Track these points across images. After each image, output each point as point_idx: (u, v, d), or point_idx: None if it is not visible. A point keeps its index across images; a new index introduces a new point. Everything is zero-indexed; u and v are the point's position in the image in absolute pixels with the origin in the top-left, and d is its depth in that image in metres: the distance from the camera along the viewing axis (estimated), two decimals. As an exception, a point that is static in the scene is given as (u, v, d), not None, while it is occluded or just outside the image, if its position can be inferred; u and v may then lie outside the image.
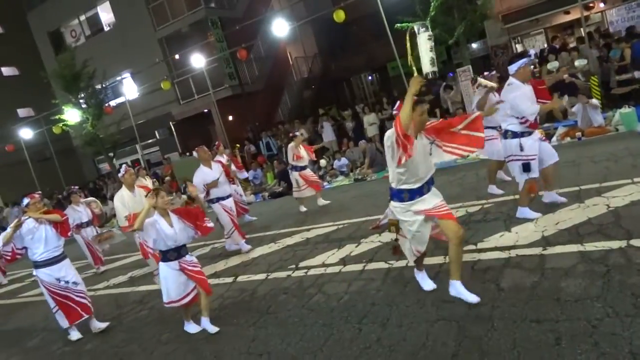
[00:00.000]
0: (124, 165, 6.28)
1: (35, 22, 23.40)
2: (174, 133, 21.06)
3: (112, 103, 19.70)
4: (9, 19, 27.32)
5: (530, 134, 4.88)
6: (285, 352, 3.67)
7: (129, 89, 19.19)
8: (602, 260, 3.62)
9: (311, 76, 23.03)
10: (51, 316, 6.52)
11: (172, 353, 4.29)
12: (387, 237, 5.71)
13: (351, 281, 4.63)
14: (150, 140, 21.95)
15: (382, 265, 4.83)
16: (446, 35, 12.00)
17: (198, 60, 16.34)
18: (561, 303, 3.20)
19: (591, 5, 13.63)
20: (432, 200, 3.62)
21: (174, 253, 4.34)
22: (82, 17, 22.26)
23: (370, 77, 24.31)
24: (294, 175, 8.65)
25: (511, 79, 4.91)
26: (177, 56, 18.60)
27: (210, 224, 4.52)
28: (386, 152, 3.53)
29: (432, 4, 11.62)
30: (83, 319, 5.25)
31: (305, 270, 5.34)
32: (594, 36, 12.50)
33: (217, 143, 9.25)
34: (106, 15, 21.63)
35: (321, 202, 8.82)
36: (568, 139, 8.76)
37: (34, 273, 5.15)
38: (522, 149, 4.86)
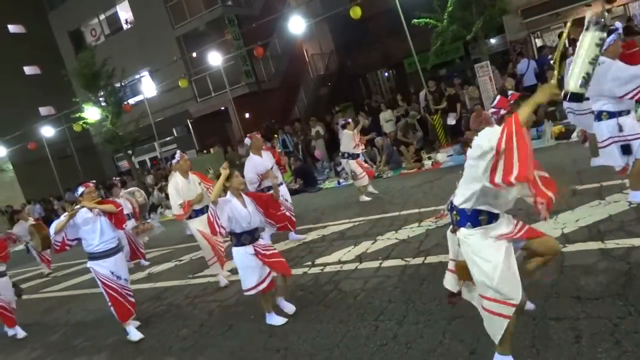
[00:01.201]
0: (178, 152, 6.02)
1: (56, 21, 23.88)
2: (192, 131, 21.27)
3: (131, 101, 19.98)
4: (30, 19, 28.00)
5: (628, 112, 4.45)
6: (301, 349, 3.69)
7: (148, 87, 19.44)
8: (623, 258, 3.56)
9: (327, 73, 23.00)
10: (75, 310, 6.71)
11: (190, 348, 4.35)
12: (404, 234, 5.71)
13: (367, 278, 4.63)
14: (168, 138, 22.19)
15: (398, 262, 4.81)
16: (464, 30, 11.85)
17: (215, 58, 16.46)
18: (581, 301, 3.15)
19: (614, -3, 13.33)
20: (509, 223, 2.80)
21: (248, 236, 4.15)
22: (102, 17, 22.64)
23: (386, 74, 24.17)
24: (351, 164, 8.38)
25: (601, 58, 4.59)
26: (194, 54, 18.76)
27: (287, 214, 4.33)
28: (473, 162, 2.58)
29: (450, -2, 11.50)
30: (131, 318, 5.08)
31: (322, 267, 5.35)
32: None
33: (254, 134, 9.08)
34: (125, 14, 21.96)
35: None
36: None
37: (88, 265, 4.94)
38: (621, 130, 4.40)
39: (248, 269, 4.14)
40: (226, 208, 4.01)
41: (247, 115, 19.43)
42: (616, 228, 4.14)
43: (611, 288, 3.20)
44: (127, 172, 20.76)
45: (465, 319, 3.36)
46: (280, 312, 4.36)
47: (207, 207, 5.71)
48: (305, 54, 23.48)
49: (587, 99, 4.87)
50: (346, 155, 8.45)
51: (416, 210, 6.65)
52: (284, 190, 6.85)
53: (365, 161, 10.21)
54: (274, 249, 4.31)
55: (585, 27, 2.53)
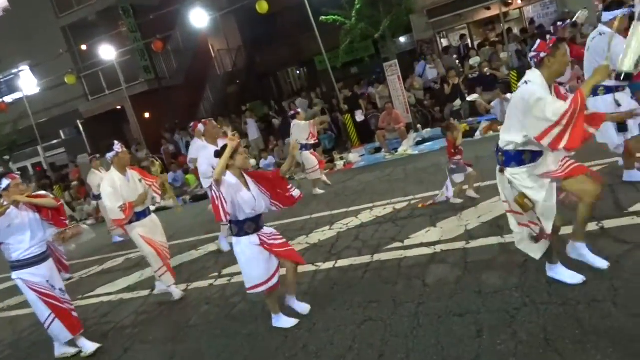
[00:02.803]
0: (116, 143, 5.14)
1: None
2: (83, 132, 19.89)
3: (7, 99, 18.22)
4: None
5: (624, 88, 4.40)
6: (206, 367, 3.58)
7: (28, 83, 17.85)
8: (520, 251, 3.87)
9: (235, 70, 22.68)
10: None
11: (79, 378, 4.04)
12: (316, 237, 5.78)
13: (277, 286, 4.61)
14: (54, 141, 20.61)
15: (309, 267, 4.85)
16: (372, 29, 12.29)
17: (108, 52, 15.58)
18: (482, 295, 3.39)
19: (510, 2, 14.61)
20: (555, 161, 3.18)
21: (253, 224, 3.67)
22: (-33, 1, 20.37)
23: (298, 72, 24.41)
24: (304, 155, 8.19)
25: (601, 28, 4.41)
26: (84, 47, 17.56)
27: (296, 192, 3.90)
28: (517, 109, 3.03)
29: (358, -4, 11.88)
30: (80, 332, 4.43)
31: (229, 278, 5.26)
32: (513, 31, 13.43)
33: (193, 124, 8.46)
34: (-3, -1, 19.96)
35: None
36: (491, 132, 9.33)
37: (14, 277, 4.20)
38: (619, 105, 4.34)
39: (253, 262, 3.66)
40: (230, 189, 3.51)
41: (146, 114, 18.60)
42: (513, 222, 4.51)
43: (509, 281, 3.48)
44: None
45: (374, 322, 3.47)
46: (290, 312, 3.94)
47: (149, 209, 5.20)
48: (211, 49, 22.96)
49: None
50: (299, 146, 8.26)
51: (328, 213, 6.77)
52: None
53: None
54: (282, 238, 3.85)
55: (636, 18, 3.08)
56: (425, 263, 4.19)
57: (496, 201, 5.23)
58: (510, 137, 3.11)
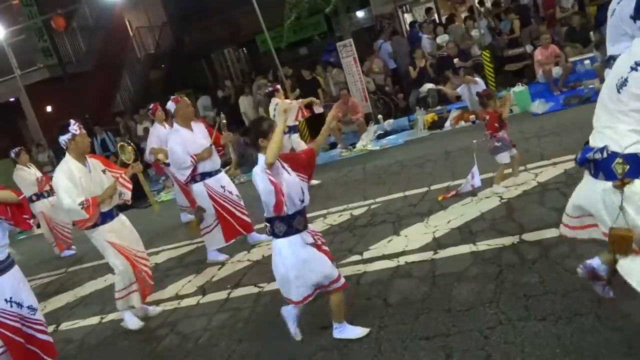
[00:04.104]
0: (73, 123, 4.62)
1: None
2: (-34, 132, 19.09)
3: None
4: None
5: None
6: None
7: None
8: (494, 260, 4.03)
9: (159, 52, 22.36)
10: None
11: None
12: (258, 253, 5.76)
13: (212, 315, 4.60)
14: None
15: (250, 290, 4.85)
16: (322, 2, 12.36)
17: (-5, 31, 15.01)
18: (452, 314, 3.48)
19: (481, -30, 15.09)
20: None
21: (302, 219, 3.43)
22: None
23: (236, 53, 24.29)
24: (294, 139, 8.20)
25: None
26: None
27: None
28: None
29: (303, -37, 11.93)
30: None
31: (153, 306, 5.16)
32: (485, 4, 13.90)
33: (153, 106, 8.12)
34: None
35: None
36: (462, 123, 9.59)
37: None
38: None
39: (315, 260, 3.42)
40: (277, 177, 3.29)
41: (48, 108, 18.06)
42: (487, 227, 4.68)
43: (482, 295, 3.59)
44: None
45: (329, 351, 3.50)
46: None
47: (116, 208, 4.80)
48: (128, 26, 22.55)
49: None
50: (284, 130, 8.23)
51: (273, 223, 6.76)
52: (222, 181, 5.94)
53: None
54: (326, 243, 3.68)
55: None
56: (387, 279, 4.26)
57: (468, 202, 5.41)
58: (632, 128, 2.46)
